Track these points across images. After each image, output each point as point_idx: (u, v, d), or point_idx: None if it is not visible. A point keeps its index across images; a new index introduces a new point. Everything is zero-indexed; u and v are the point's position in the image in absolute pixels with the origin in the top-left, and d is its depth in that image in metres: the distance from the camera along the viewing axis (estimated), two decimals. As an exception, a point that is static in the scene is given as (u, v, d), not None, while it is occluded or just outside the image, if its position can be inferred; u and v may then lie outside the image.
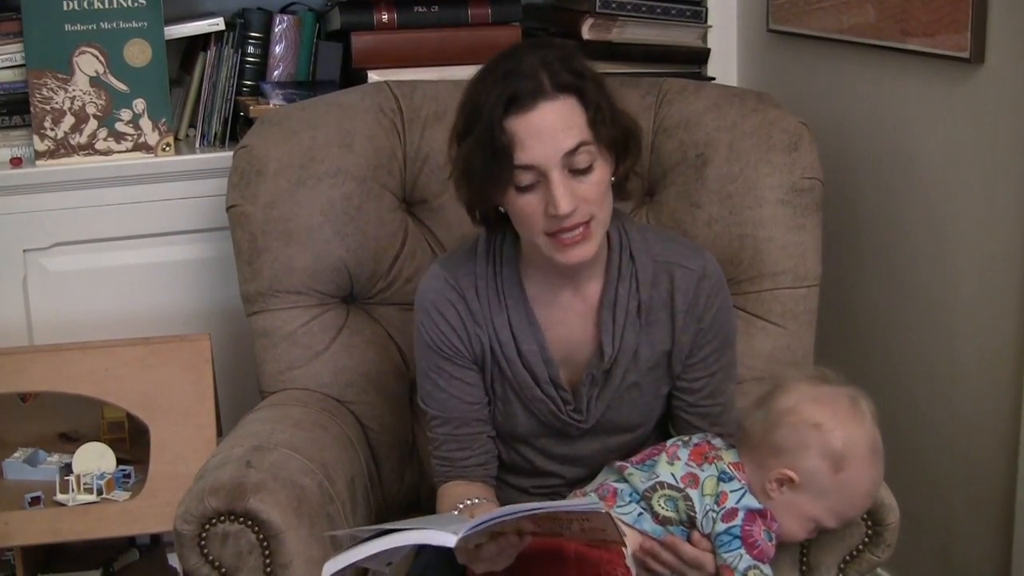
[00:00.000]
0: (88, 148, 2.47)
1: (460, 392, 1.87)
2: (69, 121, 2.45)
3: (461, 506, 1.78)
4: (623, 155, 1.77)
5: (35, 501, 2.25)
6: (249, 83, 2.62)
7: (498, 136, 1.67)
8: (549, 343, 1.85)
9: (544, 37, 1.67)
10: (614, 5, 2.59)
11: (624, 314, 1.84)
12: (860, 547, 1.81)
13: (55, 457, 2.36)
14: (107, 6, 2.42)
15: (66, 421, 2.46)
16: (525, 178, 1.69)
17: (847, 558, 1.81)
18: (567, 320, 1.86)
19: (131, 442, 2.41)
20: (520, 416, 1.89)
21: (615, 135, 1.73)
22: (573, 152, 1.68)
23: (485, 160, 1.69)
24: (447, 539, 1.52)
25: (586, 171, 1.70)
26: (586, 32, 2.59)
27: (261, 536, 1.79)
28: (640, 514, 1.77)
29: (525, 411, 1.89)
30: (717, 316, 1.86)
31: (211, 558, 1.80)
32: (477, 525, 1.53)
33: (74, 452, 2.30)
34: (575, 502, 1.66)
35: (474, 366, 1.87)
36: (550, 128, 1.67)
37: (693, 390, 1.89)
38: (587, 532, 1.61)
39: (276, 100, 2.52)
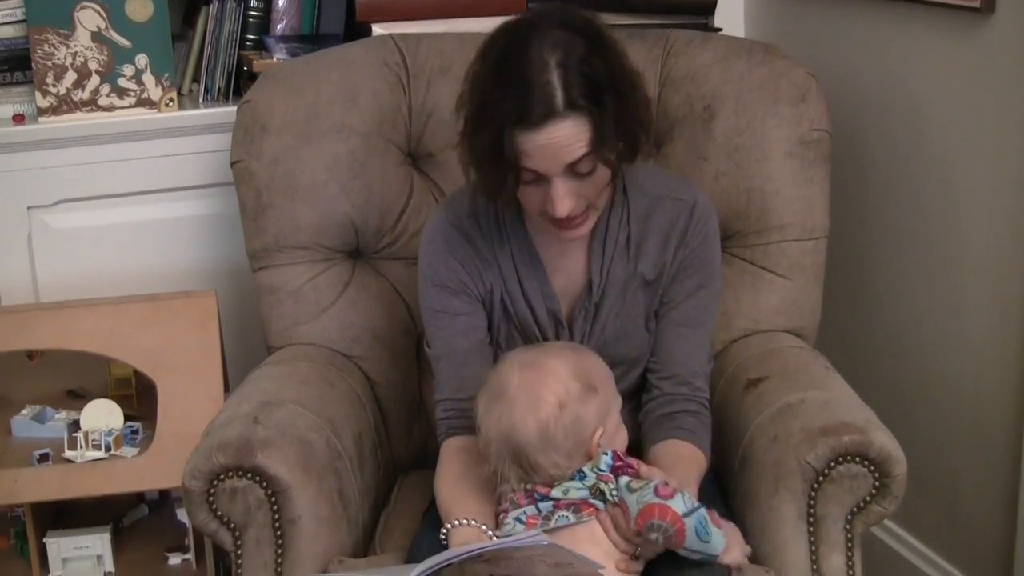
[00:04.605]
0: (91, 104, 2.45)
1: (465, 328, 1.89)
2: (71, 77, 2.43)
3: (443, 532, 1.74)
4: (632, 152, 1.79)
5: (44, 458, 2.26)
6: (252, 37, 2.60)
7: (506, 147, 1.69)
8: (550, 277, 1.89)
9: (560, 5, 1.62)
10: (620, -44, 2.56)
11: (614, 245, 1.88)
12: (867, 499, 1.80)
13: (63, 414, 2.36)
14: (108, -40, 2.40)
15: (73, 378, 2.46)
16: (528, 176, 1.73)
17: (854, 510, 1.81)
18: (566, 252, 1.90)
19: (138, 399, 2.42)
20: None
21: (621, 145, 1.74)
22: (576, 162, 1.71)
23: (492, 163, 1.73)
24: None
25: (589, 174, 1.73)
26: (592, -16, 2.56)
27: (269, 492, 1.80)
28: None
29: None
30: (705, 243, 1.90)
31: (219, 514, 1.81)
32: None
33: (82, 409, 2.31)
34: (514, 538, 1.56)
35: (480, 303, 1.90)
36: (556, 145, 1.69)
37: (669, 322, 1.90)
38: (560, 568, 1.56)
39: (279, 54, 2.50)
